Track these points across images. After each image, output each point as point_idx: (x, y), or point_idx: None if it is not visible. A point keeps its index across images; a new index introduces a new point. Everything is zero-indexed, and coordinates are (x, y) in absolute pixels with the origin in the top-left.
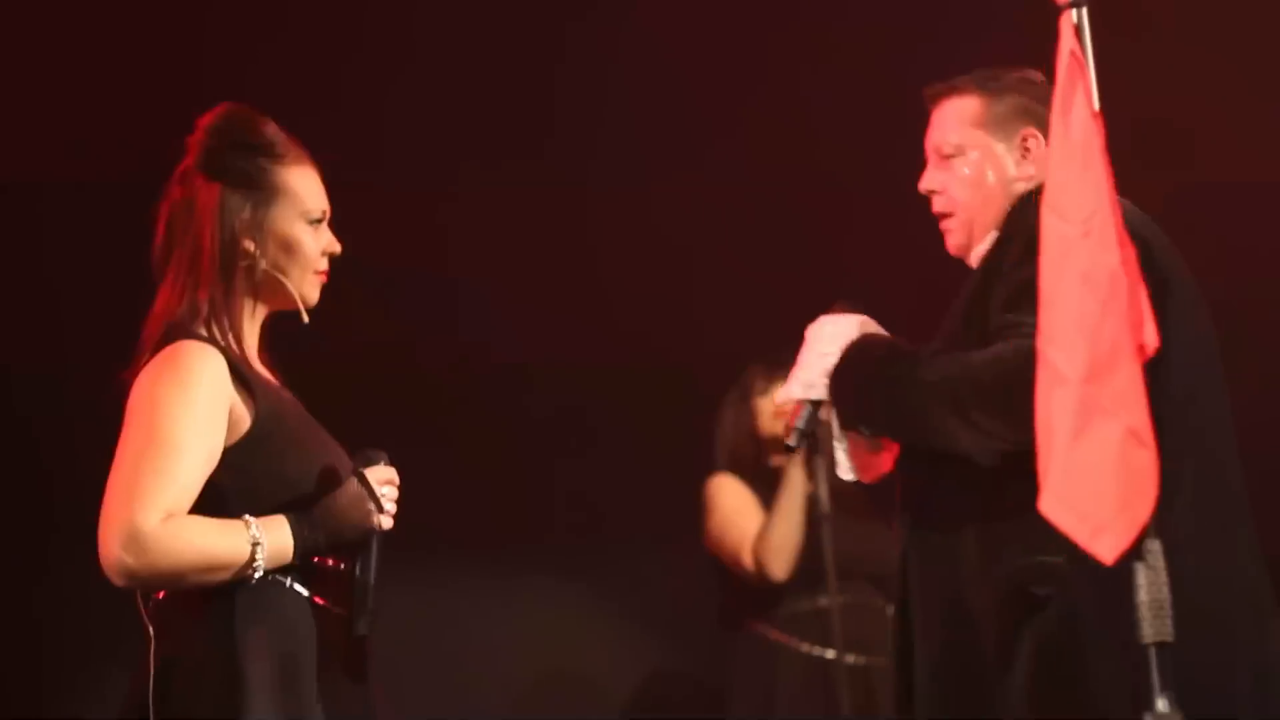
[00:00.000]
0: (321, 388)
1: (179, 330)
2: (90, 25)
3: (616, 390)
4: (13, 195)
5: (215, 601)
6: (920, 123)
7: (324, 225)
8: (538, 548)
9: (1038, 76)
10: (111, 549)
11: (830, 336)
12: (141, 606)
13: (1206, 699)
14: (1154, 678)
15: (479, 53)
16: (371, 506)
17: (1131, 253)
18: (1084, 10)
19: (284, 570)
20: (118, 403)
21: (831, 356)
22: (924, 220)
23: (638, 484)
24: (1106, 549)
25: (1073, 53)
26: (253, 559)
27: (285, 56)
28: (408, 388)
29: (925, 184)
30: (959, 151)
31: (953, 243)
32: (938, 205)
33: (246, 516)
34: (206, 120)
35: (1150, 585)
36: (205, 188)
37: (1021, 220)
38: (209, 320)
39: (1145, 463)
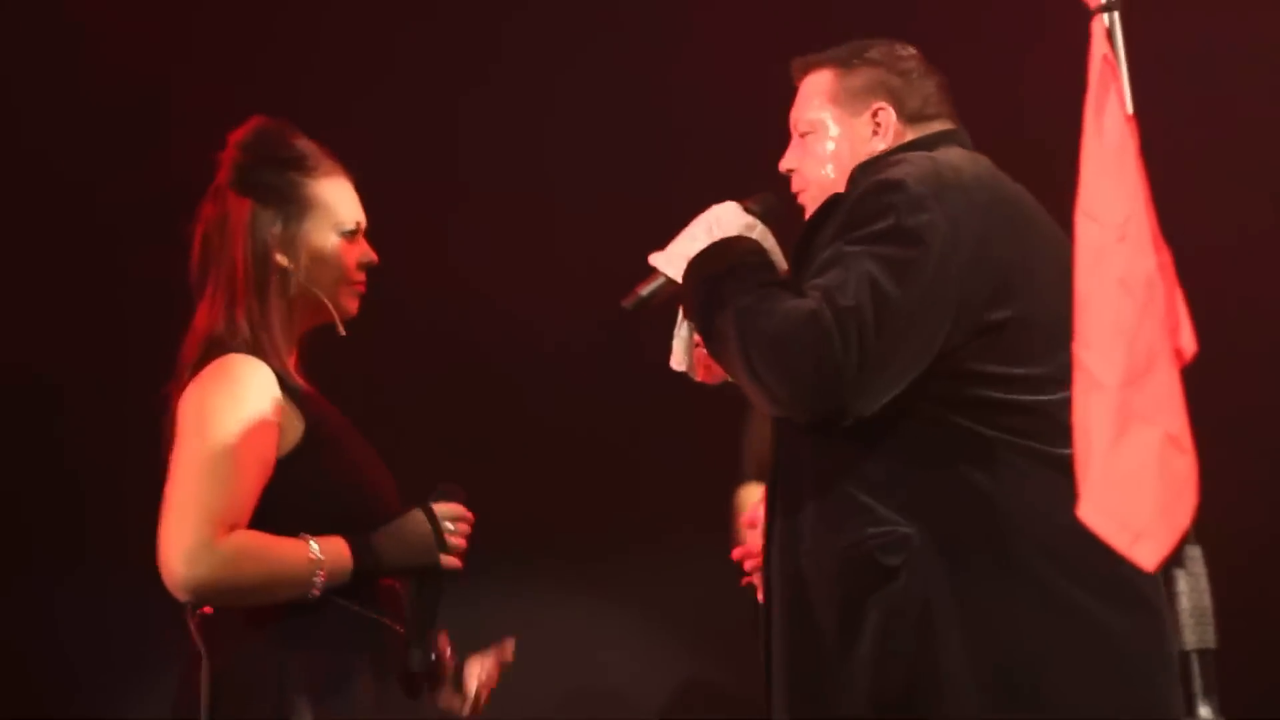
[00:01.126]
0: (345, 398)
1: (222, 345)
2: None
3: (646, 399)
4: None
5: (265, 616)
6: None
7: (359, 237)
8: (563, 558)
9: (903, 49)
10: (175, 563)
11: (714, 223)
12: (190, 618)
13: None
14: (1196, 684)
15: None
16: (433, 542)
17: (1168, 257)
18: (1116, 14)
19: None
20: (156, 415)
21: (700, 243)
22: None
23: (666, 494)
24: (1147, 555)
25: (1105, 57)
26: (313, 578)
27: (306, 67)
28: (426, 394)
29: (783, 163)
30: (812, 128)
31: (806, 219)
32: (794, 184)
33: (305, 535)
34: (237, 136)
35: (1191, 591)
36: (237, 204)
37: (850, 190)
38: (248, 335)
39: (1184, 468)
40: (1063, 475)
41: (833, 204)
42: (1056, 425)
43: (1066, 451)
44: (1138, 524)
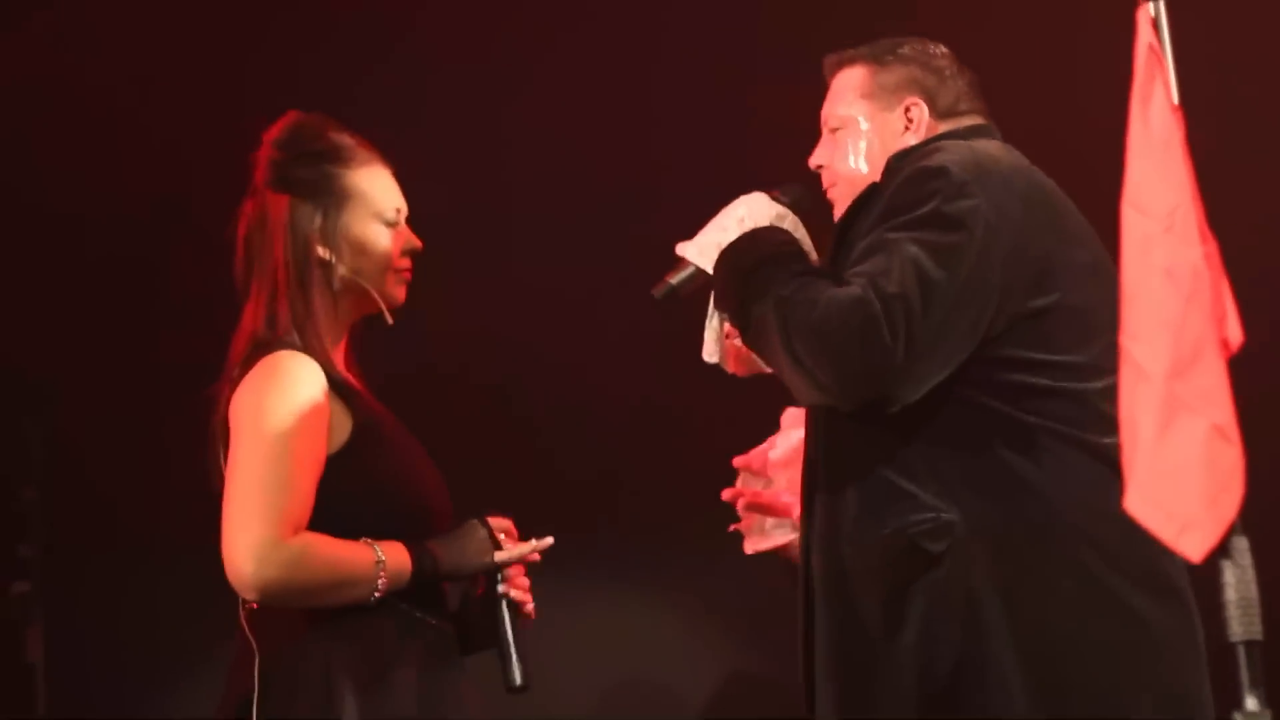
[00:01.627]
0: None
1: (268, 343)
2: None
3: (691, 389)
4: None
5: (316, 613)
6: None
7: (401, 224)
8: (608, 551)
9: (935, 48)
10: (244, 562)
11: (744, 215)
12: (241, 614)
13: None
14: (1243, 675)
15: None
16: (490, 547)
17: (1214, 247)
18: (1161, 3)
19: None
20: (201, 414)
21: (732, 233)
22: None
23: (713, 485)
24: (1193, 547)
25: (1150, 46)
26: (376, 583)
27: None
28: (473, 388)
29: (813, 159)
30: (843, 124)
31: (838, 214)
32: (825, 180)
33: (367, 539)
34: (271, 133)
35: (1238, 583)
36: (274, 201)
37: (888, 180)
38: (294, 332)
39: (1231, 459)
40: (1103, 463)
41: (870, 193)
42: (1097, 413)
43: (1107, 440)
44: (1184, 515)
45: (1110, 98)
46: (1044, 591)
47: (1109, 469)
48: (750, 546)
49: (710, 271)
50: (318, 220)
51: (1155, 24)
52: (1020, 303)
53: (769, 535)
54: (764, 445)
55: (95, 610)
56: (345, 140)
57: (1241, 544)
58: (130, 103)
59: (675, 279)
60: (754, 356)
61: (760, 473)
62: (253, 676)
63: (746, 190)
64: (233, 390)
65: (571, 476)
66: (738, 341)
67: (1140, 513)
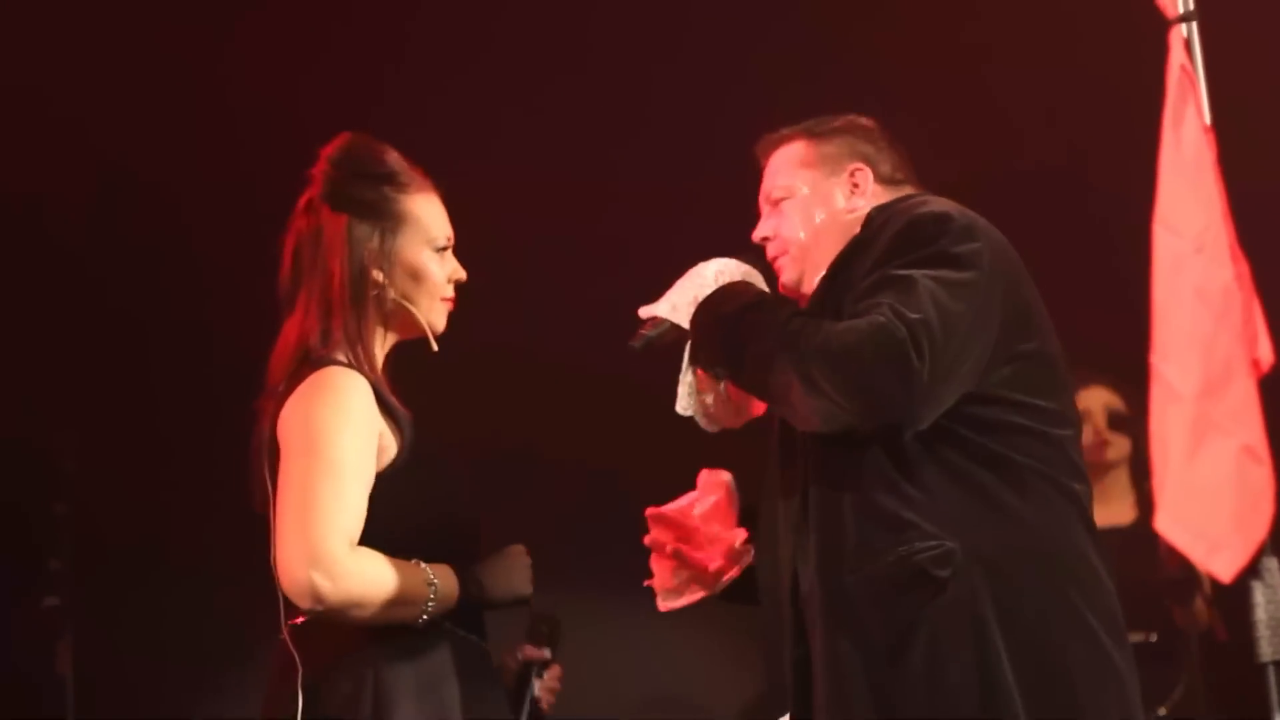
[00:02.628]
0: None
1: (319, 359)
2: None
3: None
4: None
5: (362, 629)
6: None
7: (449, 252)
8: (634, 568)
9: (866, 121)
10: (301, 572)
11: (713, 274)
12: (284, 629)
13: None
14: (1273, 696)
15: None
16: (531, 576)
17: (1245, 267)
18: (1194, 25)
19: None
20: (245, 425)
21: (706, 289)
22: None
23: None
24: (1223, 566)
25: (1183, 67)
26: (426, 604)
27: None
28: (505, 403)
29: (758, 232)
30: (789, 193)
31: (786, 279)
32: (771, 250)
33: (418, 560)
34: (329, 151)
35: (1268, 603)
36: (332, 218)
37: (877, 228)
38: (346, 349)
39: (1261, 480)
40: (1074, 507)
41: (856, 244)
42: (1067, 459)
43: (1076, 485)
44: (1214, 535)
45: (1142, 118)
46: (1037, 619)
47: (1077, 513)
48: (664, 604)
49: (685, 326)
50: (375, 241)
51: (1188, 46)
52: (1011, 345)
53: (682, 593)
54: (683, 502)
55: (124, 623)
56: (402, 165)
57: (1271, 564)
58: (138, 119)
59: (651, 332)
60: (727, 411)
61: (681, 526)
62: (296, 690)
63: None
64: (279, 405)
65: (594, 490)
66: (709, 399)
67: (1170, 532)
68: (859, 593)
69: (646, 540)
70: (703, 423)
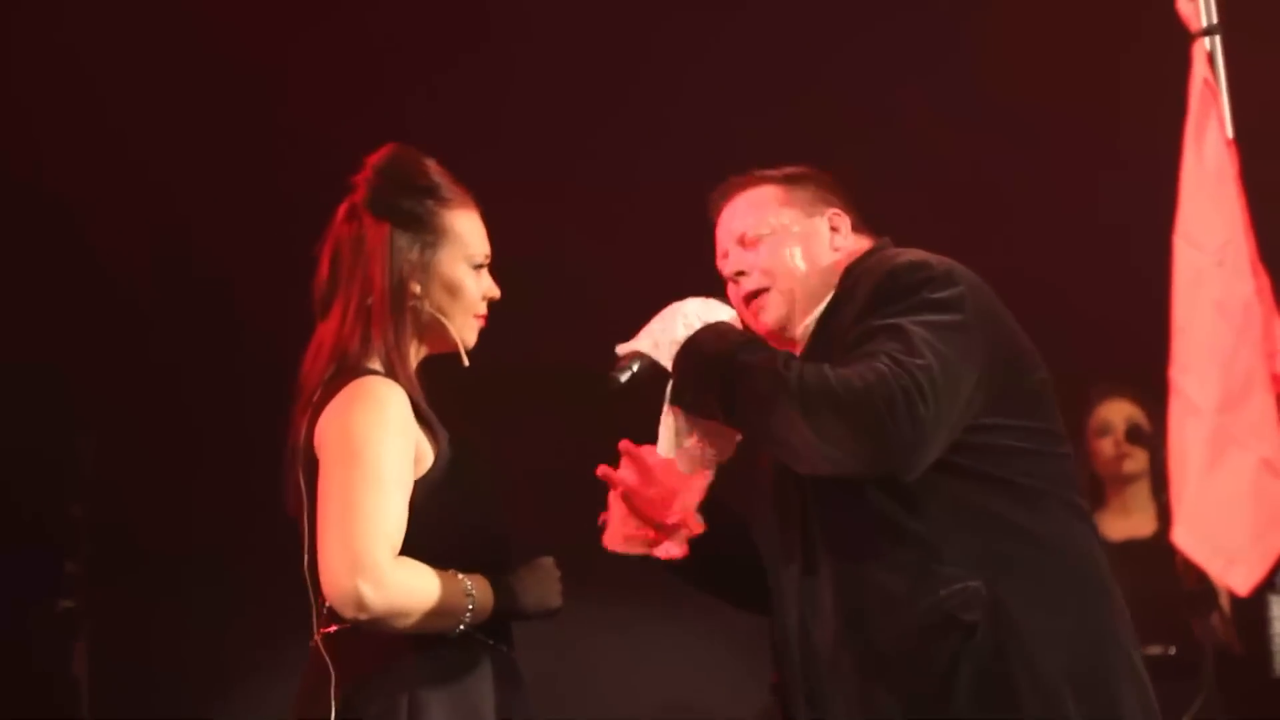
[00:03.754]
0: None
1: (357, 366)
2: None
3: None
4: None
5: (397, 639)
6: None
7: (485, 270)
8: (655, 575)
9: (825, 173)
10: (346, 580)
11: (695, 312)
12: (317, 637)
13: None
14: None
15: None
16: (560, 589)
17: (1266, 281)
18: (1217, 39)
19: None
20: (279, 430)
21: (691, 328)
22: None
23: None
24: (1240, 580)
25: (1206, 81)
26: (464, 615)
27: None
28: (523, 406)
29: (733, 266)
30: (773, 230)
31: (771, 316)
32: (750, 284)
33: (455, 571)
34: (375, 160)
35: None
36: (374, 227)
37: (855, 280)
38: (383, 358)
39: (1279, 494)
40: (1082, 520)
41: (836, 301)
42: (1067, 475)
43: (1079, 500)
44: (1231, 548)
45: (1164, 132)
46: (1075, 634)
47: (1085, 525)
48: (610, 542)
49: (667, 365)
50: (416, 253)
51: (1211, 59)
52: (1001, 379)
53: (631, 542)
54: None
55: (139, 626)
56: (446, 179)
57: None
58: (180, 117)
59: (632, 366)
60: (706, 454)
61: (646, 470)
62: (329, 699)
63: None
64: (315, 413)
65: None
66: (689, 441)
67: (1187, 546)
68: (890, 650)
69: (601, 470)
70: (681, 464)
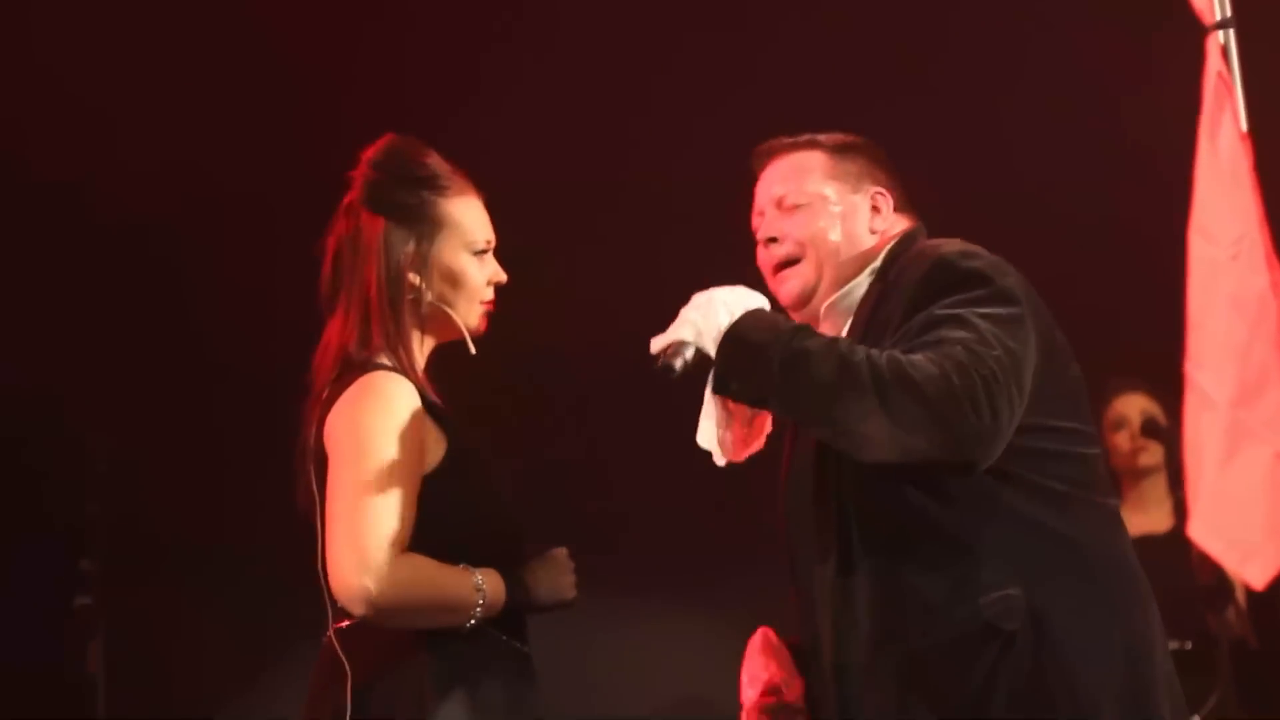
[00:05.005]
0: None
1: (363, 363)
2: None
3: None
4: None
5: (409, 634)
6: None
7: (489, 255)
8: (661, 569)
9: (878, 147)
10: (353, 579)
11: (733, 300)
12: (331, 633)
13: None
14: None
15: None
16: (574, 581)
17: None
18: (1231, 32)
19: None
20: (290, 430)
21: (732, 316)
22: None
23: (763, 506)
24: (1256, 574)
25: (1220, 74)
26: (474, 610)
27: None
28: (543, 401)
29: (766, 231)
30: (808, 201)
31: (795, 287)
32: (780, 251)
33: (466, 565)
34: (370, 153)
35: None
36: (370, 222)
37: (901, 269)
38: (387, 352)
39: None
40: (1116, 522)
41: (883, 289)
42: (1097, 476)
43: (1111, 500)
44: (1247, 542)
45: (1178, 125)
46: (1111, 637)
47: (1117, 526)
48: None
49: (711, 353)
50: (411, 246)
51: (1224, 52)
52: (1042, 372)
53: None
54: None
55: (155, 624)
56: (443, 168)
57: None
58: (194, 113)
59: (684, 356)
60: (740, 444)
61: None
62: (344, 694)
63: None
64: (324, 409)
65: (625, 496)
66: (727, 432)
67: (1203, 540)
68: (928, 659)
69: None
70: (718, 455)
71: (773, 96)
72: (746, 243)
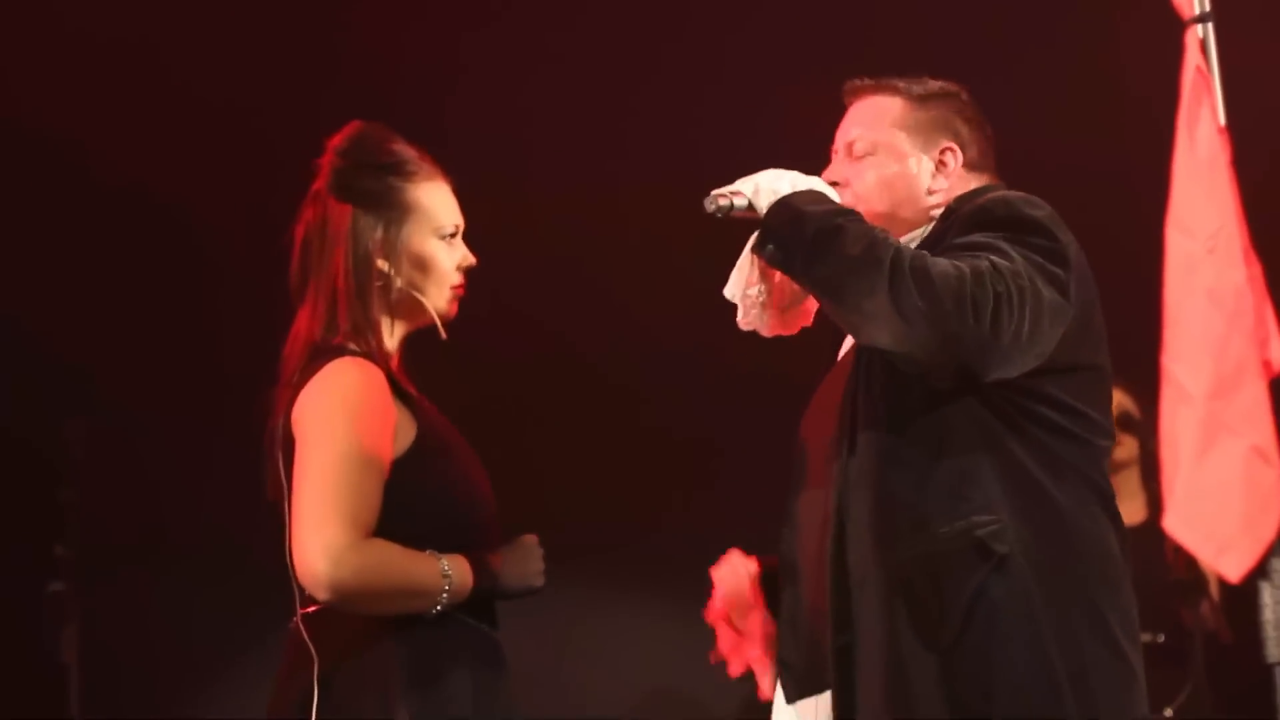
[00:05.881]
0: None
1: (330, 350)
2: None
3: (730, 407)
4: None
5: (376, 620)
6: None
7: (458, 239)
8: (642, 561)
9: (964, 92)
10: (317, 565)
11: (808, 182)
12: (297, 618)
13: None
14: (1279, 697)
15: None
16: (543, 569)
17: (1258, 269)
18: (1210, 26)
19: None
20: (256, 417)
21: (796, 186)
22: None
23: (747, 502)
24: (1232, 567)
25: (1198, 68)
26: (440, 595)
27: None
28: (521, 392)
29: (831, 174)
30: (874, 150)
31: None
32: (841, 199)
33: (433, 551)
34: (335, 141)
35: (1276, 604)
36: (337, 209)
37: (951, 218)
38: (356, 339)
39: (1270, 481)
40: (1108, 510)
41: (942, 231)
42: (1102, 469)
43: (1108, 490)
44: (1223, 535)
45: (1157, 119)
46: (1064, 613)
47: (1109, 516)
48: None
49: (762, 210)
50: (379, 232)
51: (1203, 46)
52: (1076, 351)
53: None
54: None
55: (129, 612)
56: (409, 154)
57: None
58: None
59: (732, 202)
60: (769, 311)
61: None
62: (310, 680)
63: None
64: (293, 396)
65: (601, 488)
66: (756, 292)
67: (1178, 532)
68: (917, 570)
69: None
70: (743, 316)
71: (769, 77)
72: (743, 234)
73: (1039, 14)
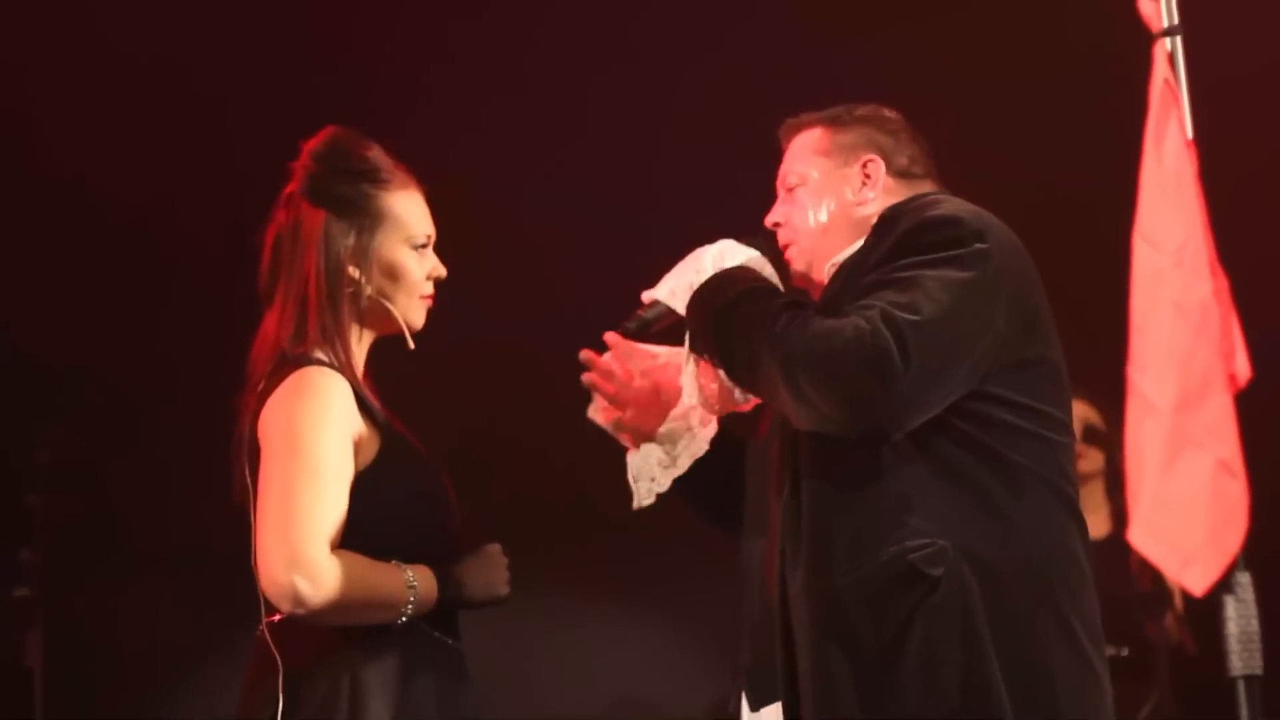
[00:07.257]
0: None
1: (298, 358)
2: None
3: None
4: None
5: (340, 630)
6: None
7: (429, 249)
8: (607, 569)
9: (889, 112)
10: (282, 576)
11: (713, 257)
12: (263, 627)
13: None
14: (1242, 711)
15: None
16: (507, 578)
17: (1224, 282)
18: (1178, 39)
19: None
20: (221, 423)
21: (703, 276)
22: None
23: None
24: (1196, 580)
25: (1166, 81)
26: (405, 606)
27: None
28: (487, 401)
29: (770, 217)
30: (801, 180)
31: (796, 268)
32: (781, 237)
33: (397, 562)
34: (311, 145)
35: (1239, 618)
36: (310, 214)
37: (885, 228)
38: (323, 347)
39: (1235, 494)
40: (1067, 511)
41: (865, 249)
42: (1060, 465)
43: (1070, 490)
44: (1187, 549)
45: (1125, 131)
46: (1024, 622)
47: (1070, 518)
48: (593, 413)
49: (682, 313)
50: (351, 239)
51: (1171, 59)
52: (1015, 349)
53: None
54: (657, 353)
55: (95, 616)
56: (384, 161)
57: (1244, 579)
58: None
59: (646, 315)
60: (731, 396)
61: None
62: (276, 688)
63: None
64: (260, 403)
65: (570, 492)
66: (712, 386)
67: (1143, 545)
68: (850, 595)
69: (584, 354)
70: (703, 409)
71: (753, 80)
72: (727, 232)
73: (1008, 27)
